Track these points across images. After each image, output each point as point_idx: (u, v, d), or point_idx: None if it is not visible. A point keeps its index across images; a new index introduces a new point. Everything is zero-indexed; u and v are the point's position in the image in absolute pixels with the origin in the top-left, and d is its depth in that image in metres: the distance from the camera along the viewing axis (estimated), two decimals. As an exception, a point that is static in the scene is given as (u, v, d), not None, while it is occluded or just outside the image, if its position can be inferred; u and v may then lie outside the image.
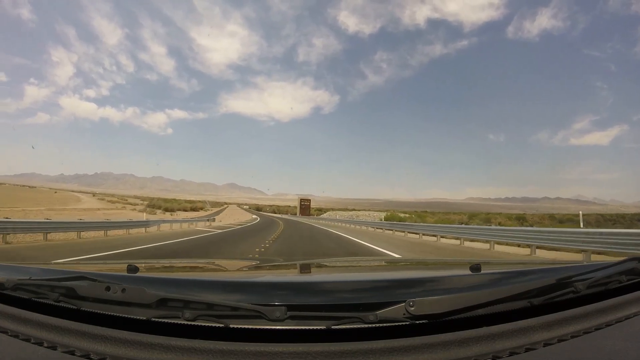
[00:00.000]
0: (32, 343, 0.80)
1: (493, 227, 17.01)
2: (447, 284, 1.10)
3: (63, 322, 0.84)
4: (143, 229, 19.38)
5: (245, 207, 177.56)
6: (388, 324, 0.79)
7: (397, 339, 0.77)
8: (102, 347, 0.76)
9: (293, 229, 24.33)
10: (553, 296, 0.93)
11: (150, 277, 1.20)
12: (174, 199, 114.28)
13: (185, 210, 67.53)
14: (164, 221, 24.48)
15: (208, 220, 34.80)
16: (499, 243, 12.36)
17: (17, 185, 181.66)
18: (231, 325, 0.78)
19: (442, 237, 16.20)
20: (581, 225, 14.49)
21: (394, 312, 0.79)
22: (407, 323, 0.79)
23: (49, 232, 12.74)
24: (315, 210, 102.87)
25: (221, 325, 0.78)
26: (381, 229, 24.97)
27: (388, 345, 0.75)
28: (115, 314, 0.83)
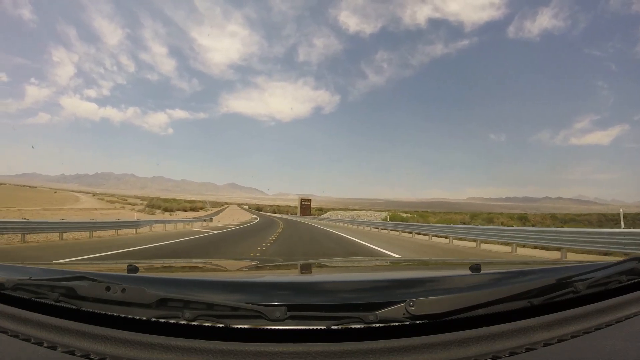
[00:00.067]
0: (32, 343, 0.80)
1: (515, 227, 14.95)
2: (447, 284, 1.10)
3: (63, 322, 0.84)
4: (133, 230, 18.17)
5: (245, 207, 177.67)
6: (388, 324, 0.79)
7: (397, 339, 0.77)
8: (102, 347, 0.76)
9: (293, 229, 24.21)
10: (553, 296, 0.93)
11: (150, 277, 1.20)
12: (174, 199, 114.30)
13: (185, 210, 67.48)
14: (157, 221, 23.01)
15: (205, 220, 33.54)
16: (521, 246, 11.00)
17: (18, 185, 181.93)
18: (231, 325, 0.78)
19: (453, 239, 14.73)
20: (622, 225, 13.32)
21: (394, 312, 0.79)
22: (407, 323, 0.79)
23: (28, 234, 11.73)
24: (315, 210, 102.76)
25: (221, 325, 0.78)
26: (386, 229, 23.47)
27: (388, 345, 0.75)
28: (115, 314, 0.83)
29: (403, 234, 20.22)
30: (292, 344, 0.75)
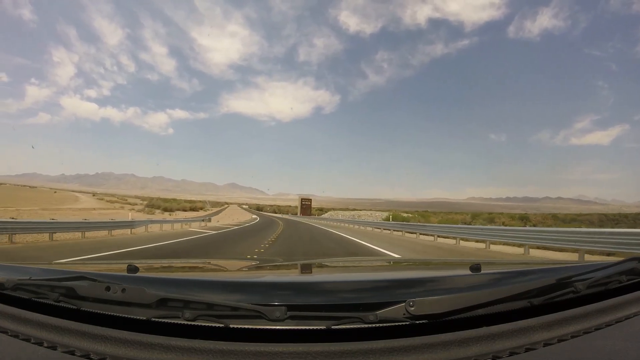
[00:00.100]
0: (32, 343, 0.80)
1: (527, 228, 14.00)
2: (447, 284, 1.10)
3: (63, 322, 0.84)
4: (128, 231, 17.53)
5: (245, 207, 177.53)
6: (388, 324, 0.79)
7: (397, 339, 0.77)
8: (102, 347, 0.76)
9: (293, 229, 24.13)
10: (553, 296, 0.93)
11: (150, 277, 1.20)
12: (174, 199, 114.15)
13: (185, 210, 67.39)
14: (153, 221, 22.18)
15: (203, 220, 32.39)
16: (535, 247, 10.33)
17: (18, 185, 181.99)
18: (231, 325, 0.78)
19: (460, 239, 14.03)
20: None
21: (394, 312, 0.79)
22: (407, 323, 0.79)
23: (16, 234, 11.24)
24: (316, 210, 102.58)
25: (221, 325, 0.78)
26: (388, 230, 22.60)
27: (388, 345, 0.75)
28: (115, 314, 0.83)
29: (406, 234, 19.68)
30: (292, 344, 0.75)
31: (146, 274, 1.25)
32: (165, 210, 59.68)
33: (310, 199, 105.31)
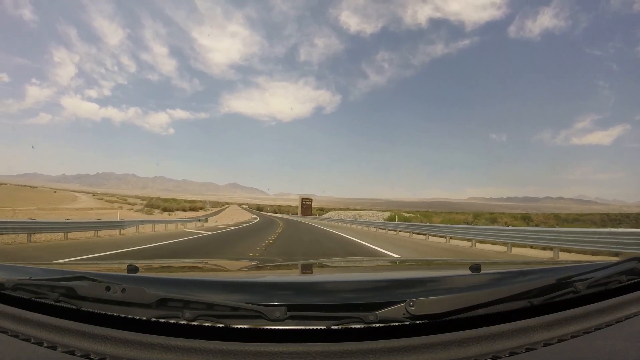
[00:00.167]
0: (32, 343, 0.80)
1: (556, 229, 12.51)
2: (447, 284, 1.10)
3: (63, 322, 0.84)
4: (117, 231, 16.59)
5: (245, 207, 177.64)
6: (388, 324, 0.79)
7: (397, 339, 0.77)
8: (102, 347, 0.76)
9: (293, 229, 24.04)
10: (553, 296, 0.93)
11: (150, 277, 1.20)
12: (174, 199, 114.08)
13: (185, 210, 67.43)
14: (144, 221, 21.07)
15: (200, 220, 31.45)
16: (565, 251, 9.37)
17: (19, 185, 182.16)
18: (231, 325, 0.78)
19: (478, 241, 12.90)
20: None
21: (394, 312, 0.79)
22: (407, 323, 0.79)
23: None
24: (316, 210, 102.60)
25: (221, 325, 0.78)
26: (394, 230, 21.50)
27: (388, 345, 0.75)
28: (115, 314, 0.83)
29: (414, 235, 18.62)
30: (292, 344, 0.75)
31: (146, 274, 1.25)
32: (165, 210, 59.81)
33: (311, 199, 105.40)
